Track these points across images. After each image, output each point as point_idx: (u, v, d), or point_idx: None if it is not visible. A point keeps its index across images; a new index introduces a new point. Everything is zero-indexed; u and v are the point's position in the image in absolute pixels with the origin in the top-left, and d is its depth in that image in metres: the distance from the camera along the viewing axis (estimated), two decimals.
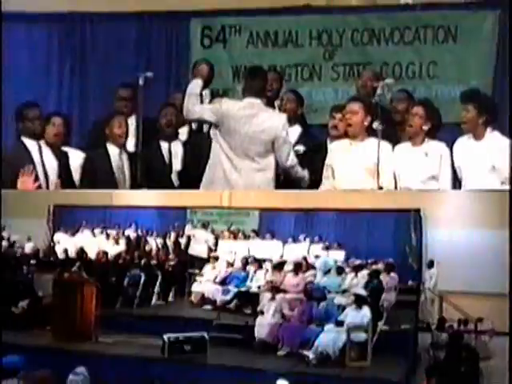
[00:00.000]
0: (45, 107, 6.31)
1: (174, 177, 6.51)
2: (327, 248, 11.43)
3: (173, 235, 12.54)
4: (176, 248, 12.15)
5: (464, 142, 5.64)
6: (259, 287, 9.34)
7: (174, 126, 6.50)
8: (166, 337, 7.41)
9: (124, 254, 11.58)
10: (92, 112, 7.90)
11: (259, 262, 10.20)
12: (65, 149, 6.17)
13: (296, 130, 6.40)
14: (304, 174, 5.87)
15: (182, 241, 12.34)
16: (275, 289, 8.58)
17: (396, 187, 5.79)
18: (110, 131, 6.15)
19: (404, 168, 5.72)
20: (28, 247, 12.57)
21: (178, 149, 6.51)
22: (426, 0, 7.77)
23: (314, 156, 6.16)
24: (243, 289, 9.62)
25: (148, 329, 8.22)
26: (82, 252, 11.50)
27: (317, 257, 10.73)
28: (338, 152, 5.81)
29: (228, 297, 9.54)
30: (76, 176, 6.17)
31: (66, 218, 14.18)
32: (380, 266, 9.96)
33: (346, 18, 7.84)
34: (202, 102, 6.71)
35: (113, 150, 6.13)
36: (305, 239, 11.94)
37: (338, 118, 6.11)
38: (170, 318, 9.01)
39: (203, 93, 6.83)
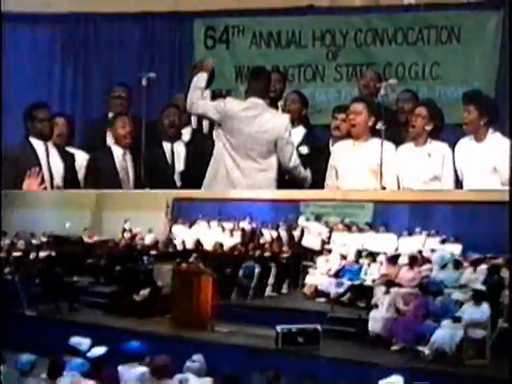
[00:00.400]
0: (50, 109, 6.29)
1: (176, 177, 6.51)
2: (443, 241, 11.06)
3: (286, 228, 12.47)
4: (290, 240, 12.04)
5: (465, 144, 5.63)
6: (373, 281, 9.11)
7: (177, 127, 6.49)
8: (279, 328, 7.40)
9: (239, 245, 11.63)
10: (95, 112, 7.90)
11: (373, 255, 9.99)
12: (70, 150, 6.19)
13: (300, 131, 6.38)
14: (307, 174, 5.86)
15: (296, 233, 12.21)
16: (390, 282, 8.35)
17: (399, 188, 5.79)
18: (113, 132, 6.14)
19: (407, 168, 5.71)
20: (148, 239, 13.04)
21: (180, 149, 6.50)
22: (430, 0, 7.76)
23: (317, 157, 6.15)
24: (357, 282, 9.41)
25: (262, 320, 8.31)
26: (198, 243, 11.72)
27: (433, 251, 10.26)
28: (342, 152, 5.79)
29: (341, 290, 9.35)
30: (80, 176, 6.16)
31: (183, 211, 14.37)
32: (500, 260, 9.33)
33: (350, 19, 7.84)
34: None
35: (117, 150, 6.13)
36: (421, 232, 11.49)
37: (341, 118, 6.09)
38: (284, 310, 9.04)
39: (204, 94, 6.89)
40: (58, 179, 5.84)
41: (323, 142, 6.44)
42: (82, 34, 8.04)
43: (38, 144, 5.75)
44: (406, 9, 7.89)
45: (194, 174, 6.18)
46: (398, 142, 5.81)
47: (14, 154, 5.69)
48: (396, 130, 6.02)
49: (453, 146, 5.67)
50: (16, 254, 12.58)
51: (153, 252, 11.71)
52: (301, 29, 7.89)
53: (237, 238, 12.31)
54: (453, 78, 7.67)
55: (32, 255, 12.08)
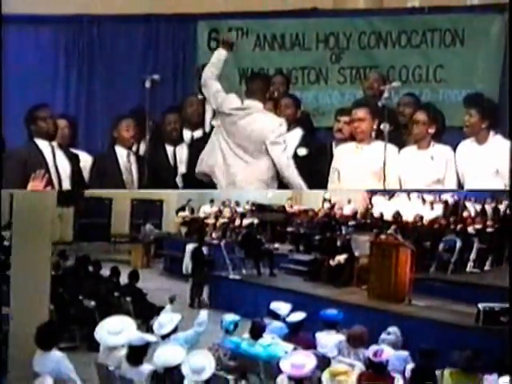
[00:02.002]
0: (52, 109, 6.31)
1: (178, 179, 6.52)
2: None
3: (492, 201, 12.23)
4: (495, 215, 11.90)
5: (467, 146, 5.63)
6: None
7: (179, 131, 6.50)
8: (481, 306, 7.17)
9: (440, 218, 11.53)
10: (99, 114, 7.92)
11: None
12: (74, 151, 6.21)
13: (297, 133, 6.36)
14: (299, 181, 5.86)
15: (502, 207, 12.06)
16: None
17: (400, 189, 5.79)
18: (118, 134, 6.15)
19: (410, 171, 5.71)
20: (347, 209, 13.45)
21: (182, 152, 6.52)
22: (434, 3, 7.75)
23: (317, 158, 6.16)
24: None
25: (461, 296, 8.19)
26: (397, 215, 11.75)
27: None
28: (345, 155, 5.80)
29: None
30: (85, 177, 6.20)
31: None
32: None
33: (353, 21, 7.83)
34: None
35: (121, 151, 6.14)
36: None
37: (343, 121, 6.11)
38: (486, 287, 8.82)
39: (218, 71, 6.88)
40: (66, 180, 5.87)
41: (322, 143, 6.47)
42: (85, 35, 8.02)
43: (43, 145, 5.77)
44: (410, 12, 7.89)
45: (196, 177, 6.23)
46: (401, 144, 5.81)
47: (21, 155, 5.71)
48: (399, 133, 6.03)
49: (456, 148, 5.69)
50: (222, 220, 13.50)
51: (351, 222, 11.97)
52: (304, 31, 7.88)
53: (438, 210, 12.11)
54: (456, 80, 7.66)
55: (236, 222, 13.00)
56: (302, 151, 6.15)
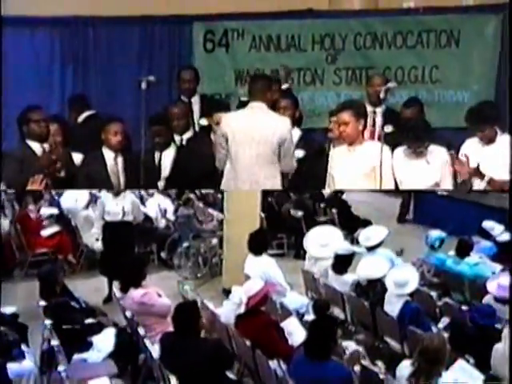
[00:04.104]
0: (47, 111, 6.30)
1: (160, 183, 6.47)
2: None
3: None
4: None
5: (474, 146, 5.58)
6: None
7: (166, 139, 6.43)
8: None
9: None
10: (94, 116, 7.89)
11: None
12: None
13: (295, 134, 6.33)
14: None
15: None
16: None
17: (398, 190, 5.77)
18: (105, 137, 6.15)
19: (406, 174, 5.68)
20: None
21: (169, 157, 6.45)
22: (429, 4, 7.76)
23: (316, 160, 6.15)
24: None
25: None
26: None
27: None
28: (338, 158, 5.78)
29: None
30: None
31: None
32: None
33: (349, 22, 7.83)
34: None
35: (108, 153, 6.15)
36: None
37: (334, 122, 6.09)
38: None
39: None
40: None
41: (319, 143, 6.48)
42: (81, 37, 8.01)
43: (35, 146, 5.79)
44: (406, 12, 7.90)
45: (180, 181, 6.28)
46: (398, 144, 5.79)
47: (16, 155, 5.74)
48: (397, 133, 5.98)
49: (456, 148, 5.66)
50: None
51: None
52: (300, 32, 7.88)
53: None
54: (452, 81, 7.68)
55: None
56: (300, 153, 6.13)
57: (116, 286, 6.67)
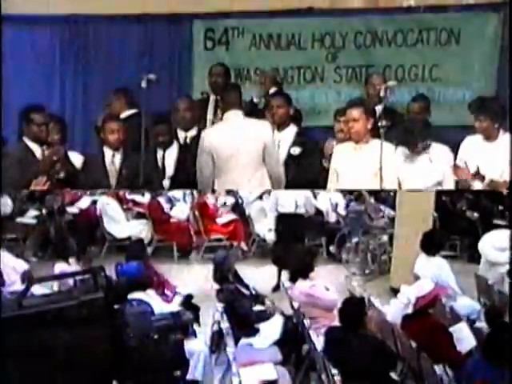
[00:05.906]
0: (47, 109, 6.29)
1: (165, 182, 6.45)
2: None
3: None
4: None
5: (476, 143, 5.57)
6: None
7: (169, 138, 6.42)
8: None
9: None
10: (94, 114, 7.88)
11: None
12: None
13: (291, 130, 6.30)
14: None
15: None
16: None
17: (400, 188, 5.76)
18: (104, 135, 6.15)
19: (408, 173, 5.67)
20: None
21: (172, 156, 6.44)
22: (429, 2, 7.75)
23: (315, 158, 6.14)
24: None
25: None
26: None
27: None
28: (343, 155, 5.75)
29: None
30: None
31: None
32: None
33: (349, 21, 7.83)
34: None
35: (107, 152, 6.14)
36: None
37: (343, 120, 6.08)
38: None
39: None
40: None
41: (316, 140, 6.47)
42: (81, 35, 8.02)
43: (34, 147, 5.76)
44: (406, 11, 7.87)
45: (184, 180, 6.23)
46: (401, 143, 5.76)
47: (15, 155, 5.72)
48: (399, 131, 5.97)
49: (456, 147, 5.65)
50: None
51: None
52: (300, 31, 7.87)
53: None
54: (452, 79, 7.67)
55: None
56: (296, 150, 6.12)
57: (284, 275, 6.79)
